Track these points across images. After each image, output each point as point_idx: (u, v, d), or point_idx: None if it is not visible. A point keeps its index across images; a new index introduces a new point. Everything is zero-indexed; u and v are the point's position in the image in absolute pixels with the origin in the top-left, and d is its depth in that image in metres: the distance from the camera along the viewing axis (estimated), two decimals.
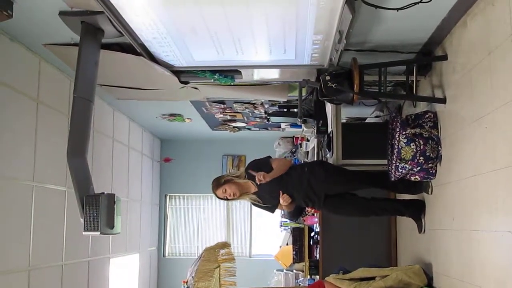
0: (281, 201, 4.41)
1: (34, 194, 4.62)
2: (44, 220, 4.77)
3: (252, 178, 4.39)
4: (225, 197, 4.49)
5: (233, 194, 4.45)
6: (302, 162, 6.89)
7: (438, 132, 4.22)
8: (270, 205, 4.61)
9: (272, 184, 4.39)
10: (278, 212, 5.04)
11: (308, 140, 7.15)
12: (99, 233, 3.39)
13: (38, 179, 4.68)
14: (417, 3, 3.34)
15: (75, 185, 3.45)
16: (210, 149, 9.56)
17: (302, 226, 7.13)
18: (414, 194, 4.78)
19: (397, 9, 3.43)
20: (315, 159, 6.12)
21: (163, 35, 3.58)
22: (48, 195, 4.90)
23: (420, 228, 4.63)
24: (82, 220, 3.38)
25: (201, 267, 5.70)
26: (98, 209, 3.36)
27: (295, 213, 5.74)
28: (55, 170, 4.98)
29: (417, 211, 4.66)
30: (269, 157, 4.70)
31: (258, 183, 4.34)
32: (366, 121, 6.32)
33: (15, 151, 4.35)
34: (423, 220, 4.62)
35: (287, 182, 4.45)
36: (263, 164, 4.53)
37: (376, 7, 3.38)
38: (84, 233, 3.40)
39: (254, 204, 4.64)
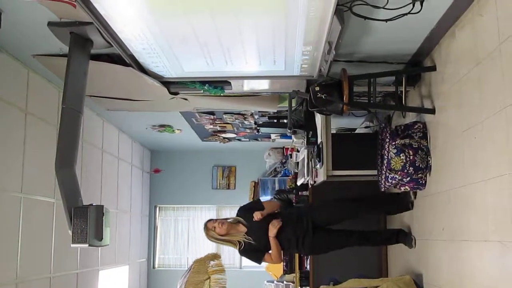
0: (270, 231, 4.43)
1: (22, 206, 4.58)
2: (32, 232, 4.73)
3: (243, 216, 4.58)
4: (213, 228, 4.50)
5: (221, 225, 4.47)
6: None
7: (427, 142, 4.23)
8: (259, 250, 4.58)
9: (261, 222, 4.46)
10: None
11: (298, 151, 7.16)
12: (87, 245, 3.36)
13: (26, 190, 4.64)
14: (406, 14, 3.35)
15: (64, 196, 3.42)
16: (200, 160, 9.53)
17: None
18: (398, 211, 4.89)
19: (386, 20, 3.45)
20: (305, 169, 6.12)
21: (152, 46, 3.57)
22: (36, 206, 4.85)
23: (411, 245, 4.62)
24: (70, 232, 3.35)
25: (191, 278, 5.68)
26: (86, 221, 3.32)
27: None
28: (44, 181, 4.94)
29: (403, 236, 4.72)
30: (259, 199, 4.86)
31: (256, 219, 4.44)
32: (356, 131, 6.34)
33: (3, 162, 4.31)
34: (412, 237, 4.62)
35: (276, 217, 4.55)
36: (254, 205, 4.75)
37: (365, 18, 3.40)
38: (72, 245, 3.36)
39: (242, 252, 4.60)
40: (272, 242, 4.46)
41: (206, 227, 4.55)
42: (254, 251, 4.57)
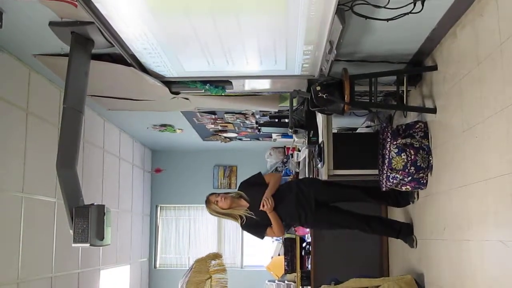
0: (262, 205, 4.37)
1: (24, 206, 4.58)
2: (33, 232, 4.73)
3: (246, 191, 4.55)
4: (215, 201, 4.46)
5: (224, 199, 4.43)
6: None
7: (428, 142, 4.23)
8: (261, 225, 4.53)
9: (262, 197, 4.42)
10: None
11: (299, 150, 7.16)
12: (88, 244, 3.37)
13: (28, 190, 4.65)
14: (407, 14, 3.35)
15: (65, 196, 3.43)
16: (201, 159, 9.53)
17: (293, 236, 7.11)
18: (402, 206, 4.83)
19: (387, 20, 3.45)
20: (307, 169, 6.12)
21: (153, 46, 3.58)
22: (38, 206, 4.86)
23: (412, 245, 4.62)
24: (71, 232, 3.36)
25: (192, 278, 5.68)
26: (87, 221, 3.33)
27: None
28: (45, 181, 4.94)
29: (406, 234, 4.71)
30: (260, 173, 4.76)
31: (263, 209, 4.37)
32: (357, 131, 6.34)
33: (4, 162, 4.31)
34: (414, 237, 4.62)
35: (277, 191, 4.49)
36: (256, 179, 4.67)
37: (366, 17, 3.40)
38: (73, 244, 3.37)
39: (244, 227, 4.57)
40: (271, 216, 4.41)
41: (209, 200, 4.52)
42: (256, 226, 4.53)
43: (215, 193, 4.57)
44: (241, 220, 4.47)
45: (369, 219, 4.67)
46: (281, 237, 5.29)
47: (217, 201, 4.46)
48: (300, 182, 4.75)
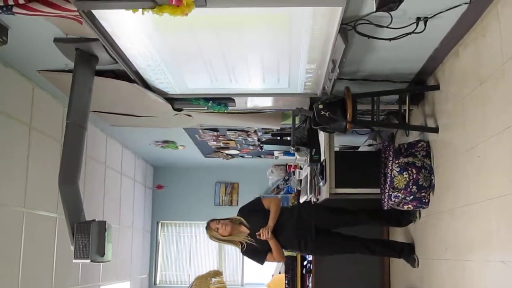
0: (262, 235, 4.40)
1: (25, 220, 4.57)
2: (34, 247, 4.72)
3: (245, 217, 4.56)
4: (216, 229, 4.49)
5: (225, 227, 4.46)
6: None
7: (430, 161, 4.23)
8: (261, 251, 4.56)
9: (263, 224, 4.45)
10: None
11: (301, 168, 7.15)
12: (89, 260, 3.35)
13: (29, 205, 4.64)
14: (410, 33, 3.37)
15: (66, 211, 3.42)
16: (203, 176, 9.52)
17: (294, 254, 7.08)
18: (404, 226, 4.83)
19: (390, 39, 3.47)
20: (308, 187, 6.11)
21: (157, 63, 3.60)
22: (39, 221, 4.85)
23: (413, 265, 4.60)
24: (72, 247, 3.35)
25: None
26: (88, 236, 3.32)
27: None
28: (46, 196, 4.94)
29: (407, 254, 4.69)
30: (259, 198, 4.79)
31: (264, 238, 4.40)
32: (359, 149, 6.34)
33: (6, 176, 4.31)
34: (415, 256, 4.60)
35: (278, 218, 4.51)
36: (255, 205, 4.69)
37: (369, 37, 3.42)
38: (74, 260, 3.35)
39: (245, 253, 4.61)
40: (271, 243, 4.45)
41: (209, 227, 4.53)
42: (256, 252, 4.56)
43: (216, 220, 4.57)
44: (241, 246, 4.52)
45: (370, 242, 4.70)
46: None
47: (217, 228, 4.49)
48: (301, 209, 4.74)
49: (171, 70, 3.75)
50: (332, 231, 4.65)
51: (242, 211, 4.69)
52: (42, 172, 4.83)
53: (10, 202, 4.38)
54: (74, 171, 3.57)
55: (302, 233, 4.53)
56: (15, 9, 2.85)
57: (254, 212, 4.59)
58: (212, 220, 4.58)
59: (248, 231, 4.52)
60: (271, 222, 4.44)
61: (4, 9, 2.86)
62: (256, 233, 4.43)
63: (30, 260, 4.63)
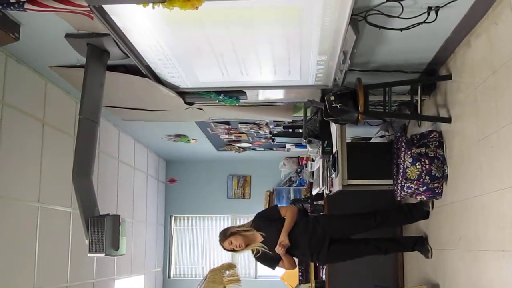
0: (277, 248, 4.42)
1: (39, 215, 4.62)
2: (49, 241, 4.76)
3: (258, 228, 4.52)
4: (231, 249, 4.53)
5: (239, 246, 4.47)
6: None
7: (443, 151, 4.21)
8: (274, 259, 4.60)
9: (277, 233, 4.46)
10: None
11: (313, 160, 7.14)
12: (104, 254, 3.38)
13: (44, 200, 4.68)
14: (421, 23, 3.35)
15: (80, 206, 3.45)
16: (215, 169, 9.55)
17: None
18: (417, 220, 4.83)
19: (401, 30, 3.45)
20: (321, 179, 6.11)
21: (168, 57, 3.60)
22: (53, 216, 4.89)
23: (427, 255, 4.59)
24: (87, 242, 3.37)
25: None
26: (103, 231, 3.34)
27: None
28: (61, 191, 4.98)
29: (421, 245, 4.70)
30: (276, 205, 4.80)
31: (280, 250, 4.41)
32: (371, 141, 6.32)
33: (21, 172, 4.35)
34: (429, 247, 4.59)
35: (292, 229, 4.51)
36: (272, 213, 4.69)
37: (380, 27, 3.40)
38: (89, 254, 3.38)
39: (258, 259, 4.65)
40: (284, 257, 4.51)
41: (222, 240, 4.53)
42: (269, 259, 4.61)
43: (229, 232, 4.54)
44: (255, 252, 4.56)
45: (381, 242, 4.73)
46: None
47: (231, 242, 4.48)
48: (315, 224, 4.64)
49: (182, 64, 3.75)
50: (344, 239, 4.66)
51: (258, 218, 4.68)
52: (56, 167, 4.86)
53: (24, 198, 4.42)
54: (88, 165, 3.59)
55: (316, 247, 4.55)
56: (26, 6, 2.87)
57: (270, 221, 4.58)
58: (224, 240, 4.52)
59: (262, 239, 4.52)
60: (284, 232, 4.44)
61: (16, 5, 2.87)
62: (274, 247, 4.44)
63: (45, 254, 4.67)
